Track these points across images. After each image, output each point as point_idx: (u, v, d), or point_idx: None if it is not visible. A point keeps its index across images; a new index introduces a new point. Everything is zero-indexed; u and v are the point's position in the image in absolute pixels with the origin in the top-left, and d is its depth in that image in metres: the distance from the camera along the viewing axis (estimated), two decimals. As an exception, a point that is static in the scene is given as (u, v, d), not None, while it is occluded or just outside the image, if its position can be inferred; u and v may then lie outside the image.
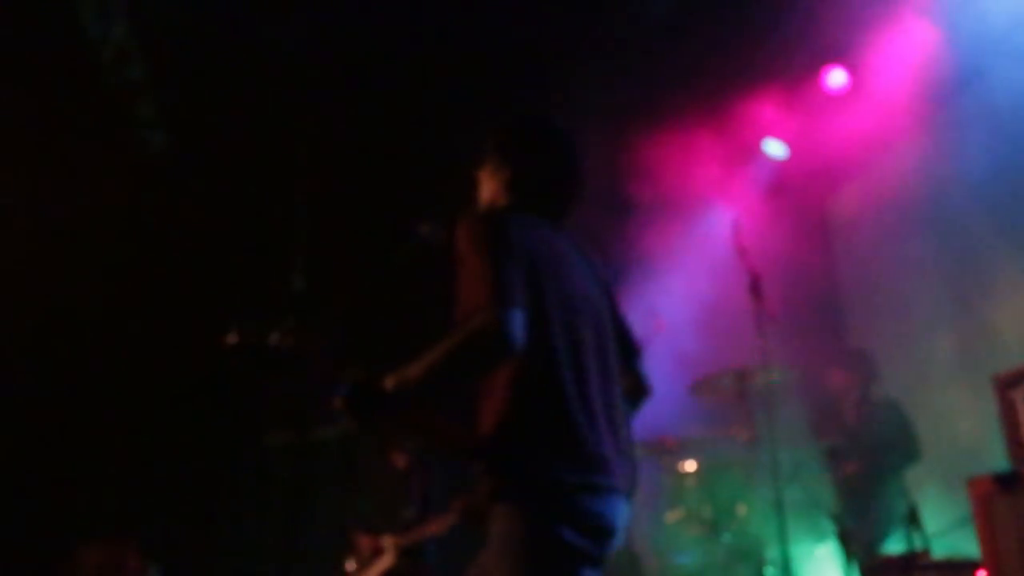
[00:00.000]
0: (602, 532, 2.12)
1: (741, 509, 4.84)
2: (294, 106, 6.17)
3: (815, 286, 6.33)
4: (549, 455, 2.07)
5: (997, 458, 3.22)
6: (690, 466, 4.96)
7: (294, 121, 6.21)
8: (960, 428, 5.11)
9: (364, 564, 5.16)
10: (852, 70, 5.86)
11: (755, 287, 4.48)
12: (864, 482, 4.86)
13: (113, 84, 5.60)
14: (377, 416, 2.08)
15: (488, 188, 2.47)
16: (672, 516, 4.90)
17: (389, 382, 2.05)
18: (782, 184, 6.34)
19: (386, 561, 5.07)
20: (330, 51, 5.91)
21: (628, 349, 2.48)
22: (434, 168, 5.71)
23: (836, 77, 5.86)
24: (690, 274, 5.66)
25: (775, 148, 6.31)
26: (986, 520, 3.19)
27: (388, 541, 5.09)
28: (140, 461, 5.63)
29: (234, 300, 6.22)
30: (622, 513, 2.17)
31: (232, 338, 2.05)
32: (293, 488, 6.43)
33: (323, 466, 6.25)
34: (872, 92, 5.76)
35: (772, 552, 4.61)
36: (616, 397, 2.29)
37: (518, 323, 2.00)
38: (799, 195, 6.41)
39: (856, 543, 4.50)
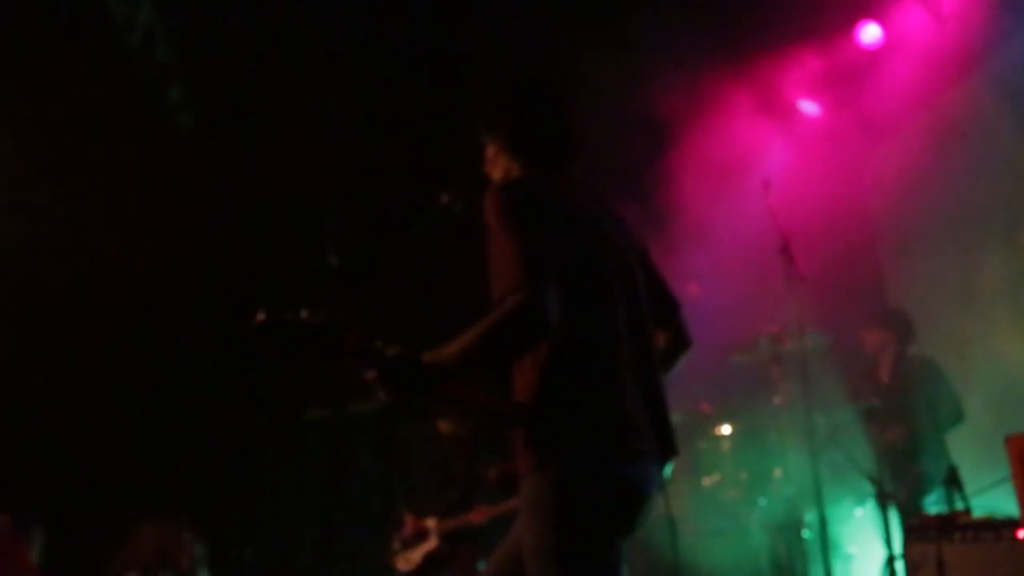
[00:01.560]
0: (633, 498, 2.11)
1: (777, 473, 4.80)
2: (322, 82, 6.19)
3: (852, 246, 6.21)
4: (581, 425, 2.07)
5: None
6: (726, 431, 4.93)
7: (322, 97, 6.23)
8: (1007, 389, 5.00)
9: (407, 545, 5.18)
10: (887, 25, 5.71)
11: (785, 249, 4.43)
12: (904, 443, 4.79)
13: (141, 68, 5.65)
14: (411, 392, 2.09)
15: (495, 159, 2.46)
16: (708, 480, 4.89)
17: (426, 359, 2.06)
18: (818, 143, 6.22)
19: (430, 544, 5.10)
20: (356, 25, 5.90)
21: (666, 303, 2.46)
22: (462, 136, 5.69)
23: (871, 32, 5.71)
24: (725, 236, 5.57)
25: (810, 107, 6.20)
26: (1025, 478, 3.12)
27: (432, 524, 5.11)
28: (181, 439, 5.73)
29: (270, 278, 6.30)
30: (654, 478, 2.16)
31: (260, 316, 2.06)
32: (333, 463, 6.52)
33: (363, 442, 6.32)
34: (908, 47, 5.62)
35: (809, 515, 4.59)
36: (651, 359, 2.27)
37: (552, 302, 2.00)
38: (835, 154, 6.28)
39: (895, 504, 4.45)
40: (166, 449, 5.67)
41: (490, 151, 2.48)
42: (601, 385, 2.11)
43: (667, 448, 2.22)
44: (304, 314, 2.07)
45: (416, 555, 5.14)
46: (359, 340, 2.08)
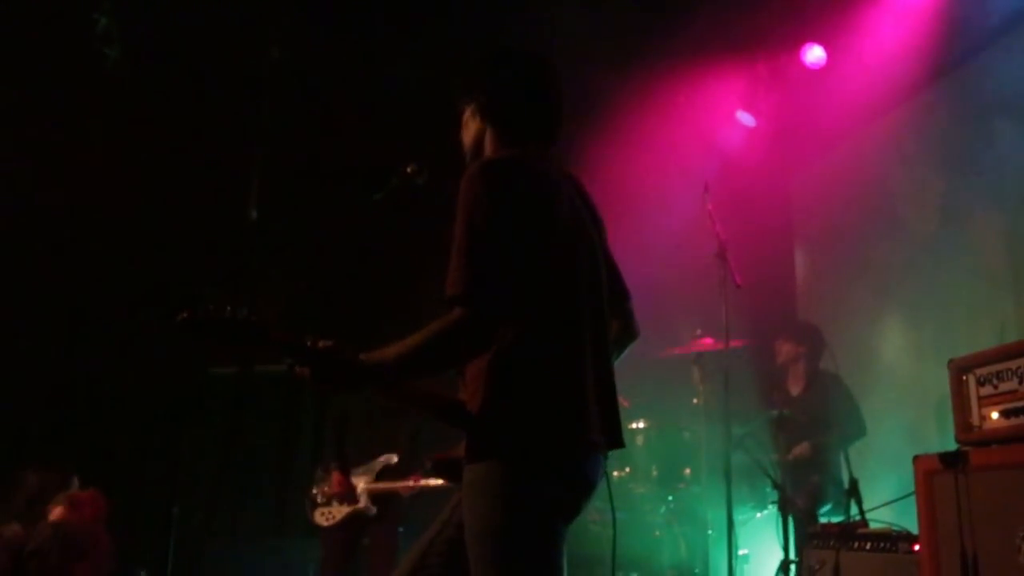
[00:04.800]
0: (578, 487, 2.12)
1: (687, 471, 4.91)
2: (259, 25, 5.96)
3: (773, 260, 6.41)
4: (532, 417, 2.05)
5: (947, 439, 3.30)
6: (640, 425, 5.00)
7: (259, 40, 6.00)
8: (913, 408, 5.25)
9: (329, 501, 5.03)
10: (831, 50, 5.85)
11: (722, 254, 4.52)
12: (808, 455, 4.98)
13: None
14: (342, 390, 2.08)
15: (473, 130, 2.38)
16: (619, 473, 4.94)
17: (365, 360, 2.03)
18: (750, 155, 6.37)
19: (357, 504, 4.96)
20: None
21: (618, 292, 2.44)
22: (406, 105, 5.59)
23: (815, 53, 5.86)
24: (655, 233, 5.65)
25: (747, 118, 6.34)
26: (927, 496, 3.25)
27: (362, 485, 4.98)
28: (82, 383, 5.49)
29: (186, 227, 6.06)
30: (599, 468, 2.17)
31: (183, 315, 1.99)
32: (235, 421, 6.35)
33: (266, 401, 6.19)
34: (844, 77, 5.78)
35: (713, 514, 4.71)
36: (606, 349, 2.26)
37: (493, 318, 2.01)
38: (765, 168, 6.46)
39: (796, 511, 4.62)
40: (61, 393, 5.42)
41: (466, 115, 2.40)
42: (562, 378, 2.10)
43: (614, 439, 2.24)
44: (228, 310, 2.01)
45: (339, 512, 4.99)
46: (285, 336, 2.04)
